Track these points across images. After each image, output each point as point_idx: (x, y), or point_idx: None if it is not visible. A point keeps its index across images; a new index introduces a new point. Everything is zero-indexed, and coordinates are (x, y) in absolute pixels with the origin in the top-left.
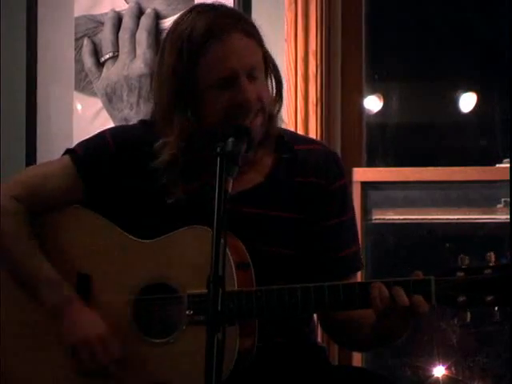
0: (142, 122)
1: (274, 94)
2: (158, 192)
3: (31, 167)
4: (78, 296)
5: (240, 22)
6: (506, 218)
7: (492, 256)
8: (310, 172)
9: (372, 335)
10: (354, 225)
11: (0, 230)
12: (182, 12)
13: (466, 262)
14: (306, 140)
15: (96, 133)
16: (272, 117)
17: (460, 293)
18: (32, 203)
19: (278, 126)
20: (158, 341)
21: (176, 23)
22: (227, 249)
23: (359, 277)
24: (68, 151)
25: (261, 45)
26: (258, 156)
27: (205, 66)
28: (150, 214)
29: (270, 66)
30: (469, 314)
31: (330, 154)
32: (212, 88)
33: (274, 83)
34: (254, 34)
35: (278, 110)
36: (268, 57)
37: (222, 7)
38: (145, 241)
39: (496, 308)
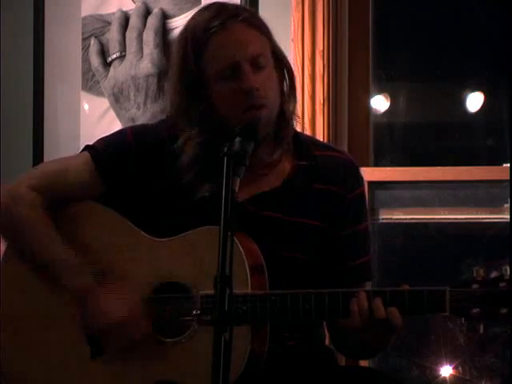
0: (162, 121)
1: (288, 92)
2: (178, 191)
3: (50, 161)
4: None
5: (243, 13)
6: None
7: (507, 269)
8: (329, 180)
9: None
10: (368, 234)
11: (17, 217)
12: (190, 12)
13: (481, 273)
14: (326, 146)
15: (117, 130)
16: (285, 114)
17: (474, 305)
18: (49, 195)
19: (294, 127)
20: (169, 340)
21: (184, 25)
22: (242, 251)
23: None
24: (87, 147)
25: (269, 38)
26: (277, 159)
27: (209, 57)
28: (168, 212)
29: (281, 62)
30: (482, 326)
31: (350, 162)
32: (217, 79)
33: (287, 80)
34: (259, 25)
35: (293, 109)
36: (277, 49)
37: (229, 4)
38: (159, 239)
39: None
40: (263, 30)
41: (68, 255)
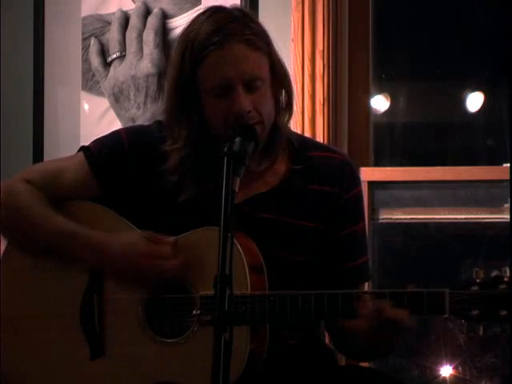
0: (158, 123)
1: (284, 106)
2: (172, 192)
3: (46, 161)
4: (106, 234)
5: (246, 30)
6: None
7: (507, 270)
8: (325, 180)
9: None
10: (365, 234)
11: (14, 206)
12: (190, 12)
13: (481, 275)
14: (321, 147)
15: (112, 131)
16: (278, 127)
17: (474, 306)
18: (44, 191)
19: (290, 133)
20: (169, 341)
21: (188, 24)
22: (241, 251)
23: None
24: (83, 148)
25: (269, 55)
26: (268, 166)
27: (204, 72)
28: (163, 213)
29: (279, 77)
30: (481, 327)
31: (346, 161)
32: (210, 95)
33: (284, 95)
34: (259, 45)
35: (288, 121)
36: (277, 66)
37: (233, 12)
38: None
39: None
40: (264, 50)
41: (71, 225)
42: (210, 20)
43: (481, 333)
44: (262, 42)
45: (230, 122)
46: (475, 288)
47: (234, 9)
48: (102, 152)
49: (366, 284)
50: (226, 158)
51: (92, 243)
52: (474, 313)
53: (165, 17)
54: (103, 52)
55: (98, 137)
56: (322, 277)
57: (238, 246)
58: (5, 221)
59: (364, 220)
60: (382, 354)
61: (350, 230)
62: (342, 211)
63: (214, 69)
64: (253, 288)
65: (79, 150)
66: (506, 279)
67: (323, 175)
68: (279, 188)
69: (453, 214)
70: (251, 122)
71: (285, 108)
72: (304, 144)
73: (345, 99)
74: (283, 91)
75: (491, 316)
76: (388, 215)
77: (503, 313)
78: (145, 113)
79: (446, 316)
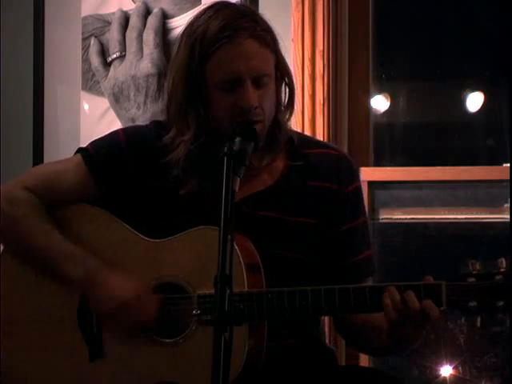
0: (155, 123)
1: (286, 103)
2: (171, 190)
3: (44, 164)
4: (103, 264)
5: (256, 26)
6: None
7: (503, 262)
8: (323, 176)
9: (388, 341)
10: (367, 229)
11: (13, 217)
12: (190, 12)
13: (477, 267)
14: (318, 144)
15: (109, 132)
16: (280, 124)
17: (471, 298)
18: (44, 197)
19: (290, 131)
20: (167, 340)
21: (194, 19)
22: (238, 250)
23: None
24: (80, 150)
25: (275, 52)
26: (269, 161)
27: (213, 66)
28: (162, 212)
29: (282, 74)
30: (479, 319)
31: (343, 157)
32: (218, 89)
33: (286, 91)
34: (268, 41)
35: (289, 118)
36: (281, 63)
37: (240, 8)
38: (156, 240)
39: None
40: (272, 47)
41: (67, 246)
42: (219, 15)
43: (478, 325)
44: (270, 38)
45: (235, 116)
46: (472, 280)
47: (240, 5)
48: (99, 152)
49: (371, 279)
50: (226, 158)
51: (87, 266)
52: (472, 304)
53: (165, 17)
54: (103, 52)
55: (96, 138)
56: (324, 274)
57: (235, 246)
58: (3, 229)
59: (365, 215)
60: (402, 348)
61: (350, 225)
62: (342, 207)
63: (224, 63)
64: (250, 286)
65: (76, 152)
66: (502, 270)
67: (321, 171)
68: (278, 185)
69: (453, 213)
70: (256, 119)
71: (286, 106)
72: (301, 141)
73: (345, 99)
74: (284, 89)
75: (488, 307)
76: (388, 215)
77: (500, 303)
78: (145, 113)
79: (443, 308)
